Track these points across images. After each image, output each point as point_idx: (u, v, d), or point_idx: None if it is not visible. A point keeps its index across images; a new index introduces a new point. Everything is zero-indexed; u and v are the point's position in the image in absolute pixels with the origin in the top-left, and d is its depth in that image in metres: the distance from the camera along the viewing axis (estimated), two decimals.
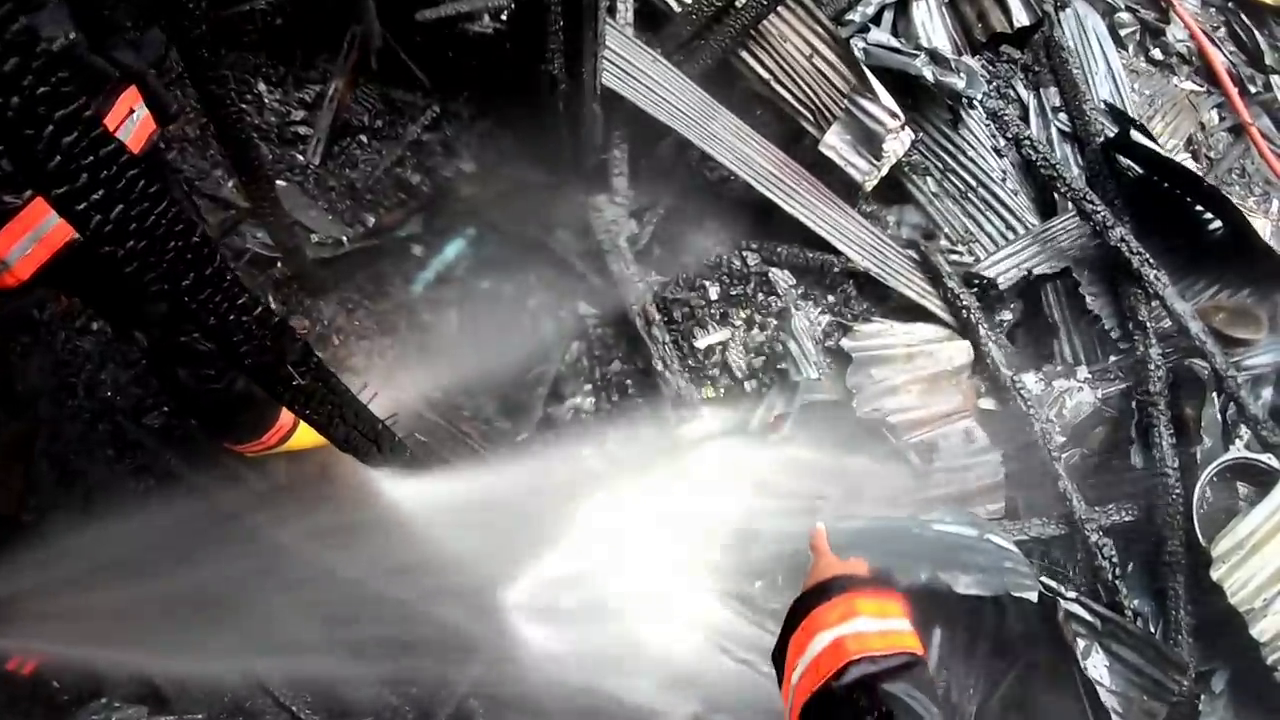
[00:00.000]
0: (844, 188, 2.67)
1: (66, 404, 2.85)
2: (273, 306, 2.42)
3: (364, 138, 2.66)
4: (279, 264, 2.53)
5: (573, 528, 2.15)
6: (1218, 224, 3.09)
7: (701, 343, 2.39)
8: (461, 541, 2.02)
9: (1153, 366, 2.71)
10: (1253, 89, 3.87)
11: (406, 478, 1.75)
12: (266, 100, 2.78)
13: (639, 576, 2.16)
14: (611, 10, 2.60)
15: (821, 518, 2.39)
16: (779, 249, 2.51)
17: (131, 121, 1.42)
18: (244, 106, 2.73)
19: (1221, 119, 4.06)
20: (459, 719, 2.24)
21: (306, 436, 2.16)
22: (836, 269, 2.51)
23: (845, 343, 2.48)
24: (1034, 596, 2.20)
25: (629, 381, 2.39)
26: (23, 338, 3.10)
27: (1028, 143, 2.85)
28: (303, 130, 2.72)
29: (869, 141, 2.63)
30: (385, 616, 2.26)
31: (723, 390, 2.39)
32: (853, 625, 0.91)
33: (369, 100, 2.69)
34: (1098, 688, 2.26)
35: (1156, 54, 3.65)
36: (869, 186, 2.64)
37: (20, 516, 2.75)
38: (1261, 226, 3.74)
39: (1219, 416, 2.75)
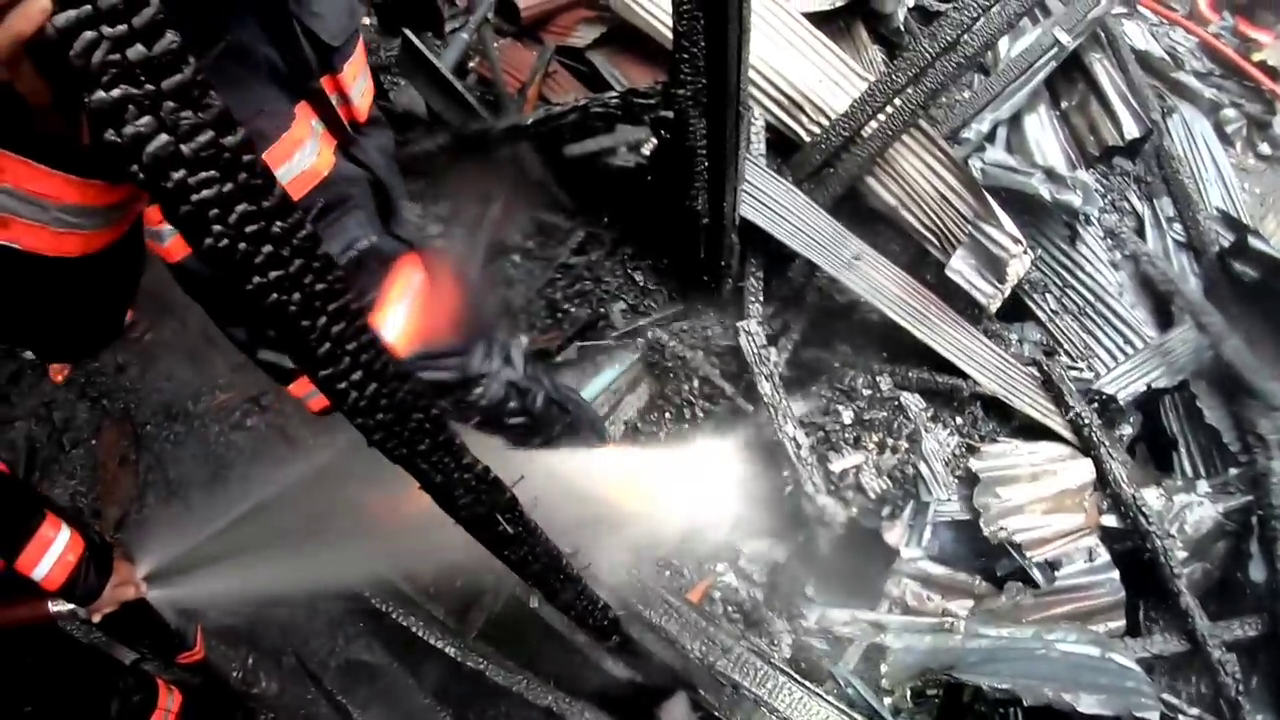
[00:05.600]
0: (968, 306, 2.79)
1: (218, 495, 3.12)
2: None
3: (517, 257, 2.88)
4: None
5: None
6: None
7: (836, 466, 2.52)
8: None
9: (1274, 480, 2.75)
10: None
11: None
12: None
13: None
14: (746, 142, 2.77)
15: (952, 638, 2.52)
16: (910, 373, 2.64)
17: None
18: None
19: None
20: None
21: None
22: (965, 393, 2.62)
23: (973, 464, 2.59)
24: (1155, 717, 2.26)
25: None
26: (176, 426, 3.39)
27: (1146, 259, 2.93)
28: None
29: (992, 265, 2.74)
30: None
31: (856, 511, 2.52)
32: None
33: (522, 223, 2.91)
34: None
35: (1265, 149, 3.69)
36: (993, 309, 2.75)
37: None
38: None
39: None
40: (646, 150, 2.67)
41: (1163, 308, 3.05)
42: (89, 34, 0.48)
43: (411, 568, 2.53)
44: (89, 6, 0.48)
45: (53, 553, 1.64)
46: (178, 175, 0.54)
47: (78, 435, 3.42)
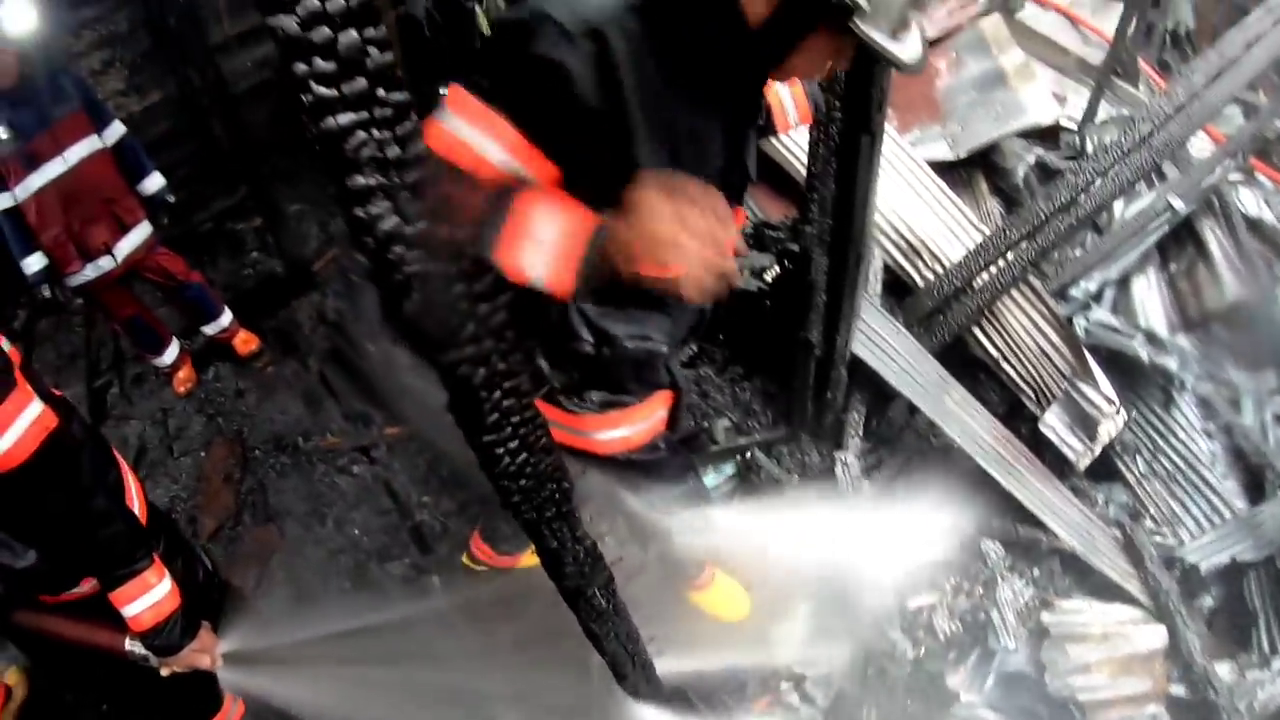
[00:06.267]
0: (1057, 462, 2.87)
1: (313, 529, 3.31)
2: None
3: None
4: None
5: None
6: None
7: (911, 603, 2.63)
8: None
9: None
10: None
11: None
12: None
13: None
14: (864, 282, 2.92)
15: None
16: (993, 521, 2.74)
17: None
18: None
19: None
20: None
21: None
22: (1045, 546, 2.71)
23: (1045, 617, 2.67)
24: None
25: None
26: (283, 458, 3.62)
27: (1239, 431, 2.97)
28: None
29: (1084, 424, 2.83)
30: None
31: (924, 650, 2.62)
32: None
33: None
34: None
35: None
36: (1082, 466, 2.84)
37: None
38: None
39: None
40: (769, 278, 2.85)
41: (1255, 480, 3.08)
42: (361, 134, 0.56)
43: None
44: (366, 113, 0.55)
45: (149, 598, 1.73)
46: (398, 250, 0.63)
47: (188, 445, 3.71)
